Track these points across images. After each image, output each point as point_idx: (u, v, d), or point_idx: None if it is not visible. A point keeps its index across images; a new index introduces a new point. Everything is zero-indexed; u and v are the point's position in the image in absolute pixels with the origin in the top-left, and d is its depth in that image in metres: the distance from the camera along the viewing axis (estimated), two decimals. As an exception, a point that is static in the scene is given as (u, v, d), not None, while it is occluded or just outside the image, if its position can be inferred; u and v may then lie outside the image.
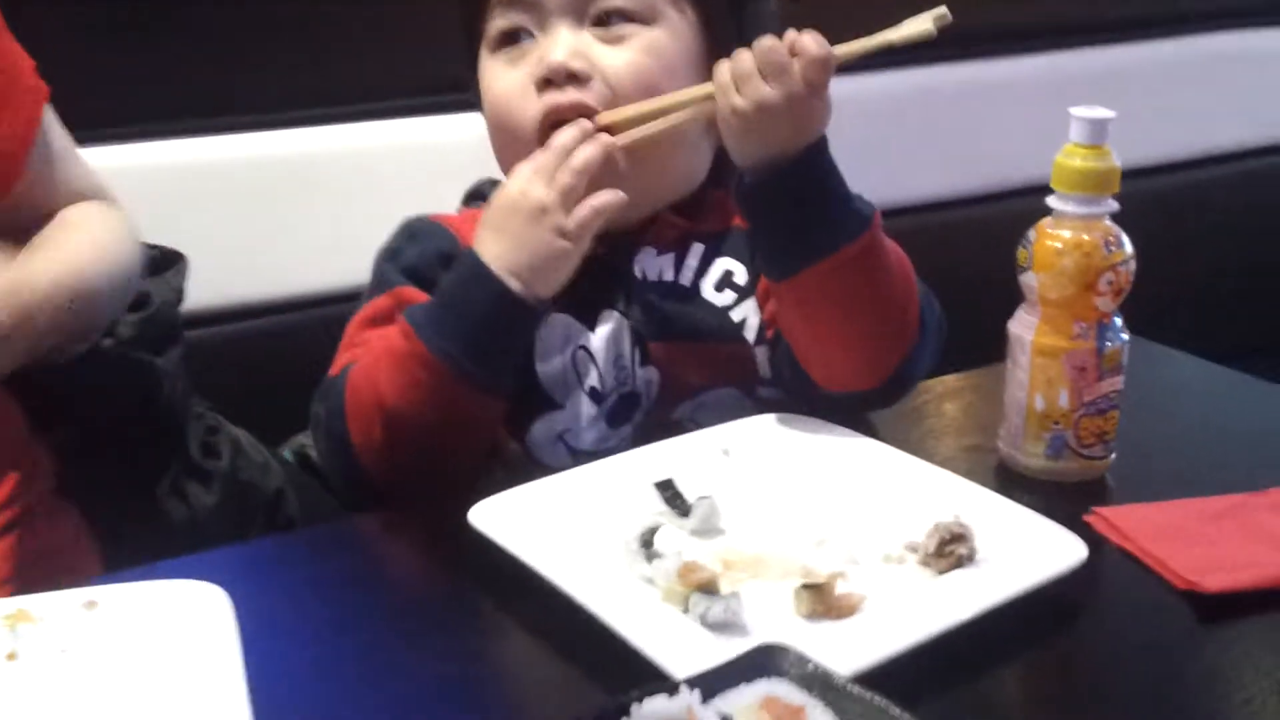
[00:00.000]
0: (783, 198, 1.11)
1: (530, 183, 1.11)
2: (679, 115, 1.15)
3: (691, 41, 1.21)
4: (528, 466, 1.20)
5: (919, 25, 1.09)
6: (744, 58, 1.09)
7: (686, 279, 1.23)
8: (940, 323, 1.18)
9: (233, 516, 1.25)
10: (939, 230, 1.98)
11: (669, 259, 1.23)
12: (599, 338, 1.20)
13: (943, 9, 1.08)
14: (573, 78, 1.17)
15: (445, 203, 1.32)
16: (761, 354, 1.22)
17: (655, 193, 1.22)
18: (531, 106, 1.18)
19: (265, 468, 1.31)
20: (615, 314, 1.20)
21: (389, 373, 1.10)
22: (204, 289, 1.39)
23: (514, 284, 1.10)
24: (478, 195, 1.30)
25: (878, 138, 1.85)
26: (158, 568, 0.95)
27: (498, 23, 1.21)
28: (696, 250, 1.24)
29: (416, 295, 1.17)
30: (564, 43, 1.18)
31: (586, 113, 1.16)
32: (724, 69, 1.10)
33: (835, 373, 1.15)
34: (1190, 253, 2.14)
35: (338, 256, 1.54)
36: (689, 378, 1.21)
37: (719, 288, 1.22)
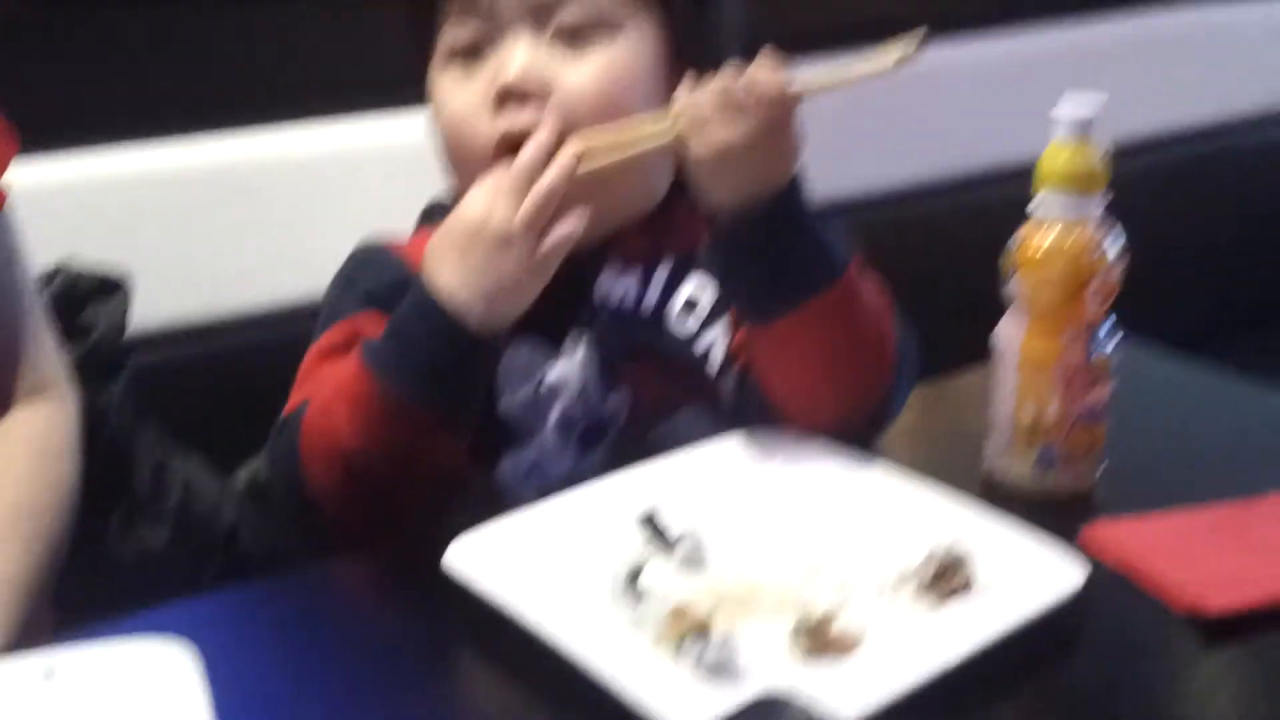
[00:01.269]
0: (755, 246, 1.06)
1: (492, 207, 1.06)
2: (644, 147, 1.10)
3: (655, 51, 1.17)
4: (499, 502, 1.16)
5: (882, 61, 1.04)
6: (700, 100, 1.04)
7: (650, 305, 1.19)
8: (915, 359, 1.16)
9: (186, 555, 1.22)
10: (924, 218, 1.95)
11: (633, 280, 1.19)
12: (564, 367, 1.16)
13: (909, 47, 1.04)
14: (529, 96, 1.12)
15: (398, 209, 1.28)
16: (725, 384, 1.19)
17: (617, 211, 1.18)
18: (485, 127, 1.14)
19: (219, 500, 1.28)
20: (579, 341, 1.17)
21: (345, 411, 1.05)
22: (149, 310, 1.34)
23: (470, 317, 1.04)
24: (434, 213, 1.25)
25: (858, 122, 1.80)
26: (121, 624, 0.91)
27: (452, 34, 1.16)
28: (663, 270, 1.20)
29: (376, 322, 1.12)
30: (520, 58, 1.13)
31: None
32: (685, 112, 1.05)
33: (808, 416, 1.11)
34: (1155, 234, 2.13)
35: (290, 269, 1.50)
36: (658, 400, 1.18)
37: (683, 315, 1.19)
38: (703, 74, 1.11)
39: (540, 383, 1.16)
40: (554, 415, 1.16)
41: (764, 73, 1.03)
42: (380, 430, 1.04)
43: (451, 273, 1.05)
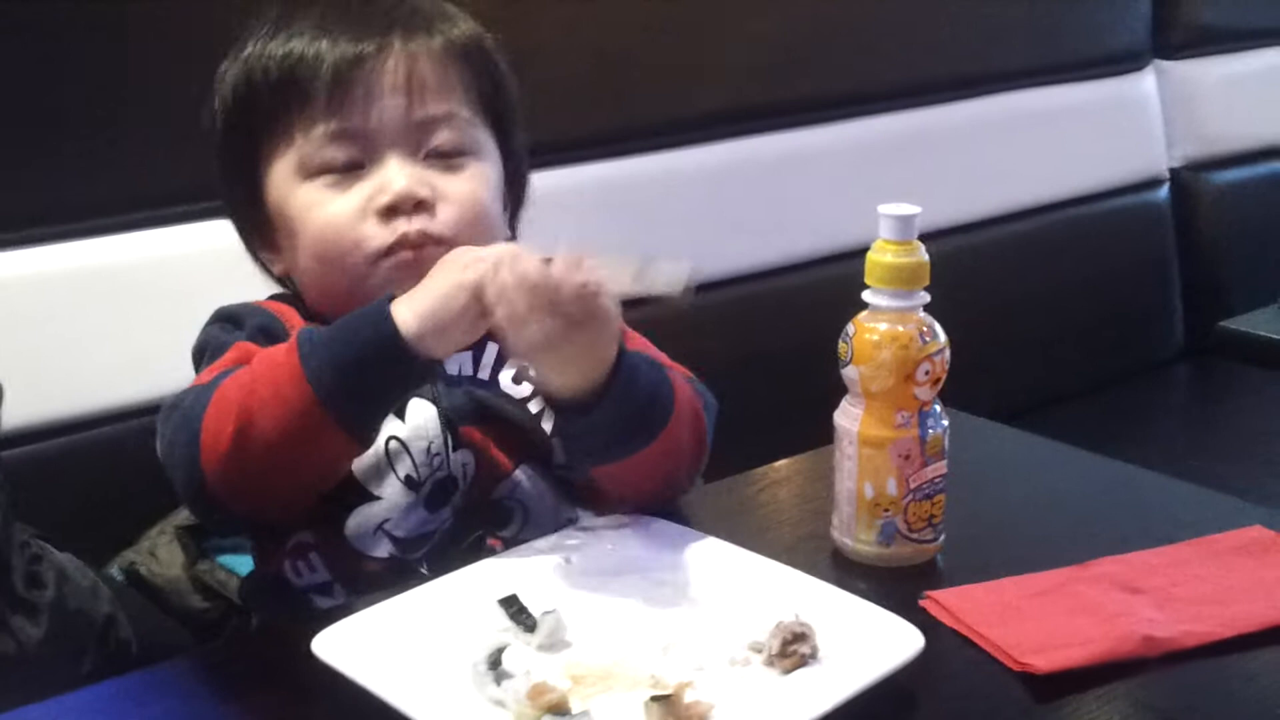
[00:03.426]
0: (587, 422, 1.12)
1: (484, 259, 1.07)
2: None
3: (496, 161, 1.28)
4: (349, 557, 1.20)
5: (670, 283, 1.06)
6: (513, 299, 1.05)
7: (485, 374, 1.25)
8: (714, 411, 1.23)
9: (64, 647, 1.21)
10: (761, 300, 2.00)
11: (467, 356, 1.25)
12: (409, 427, 1.21)
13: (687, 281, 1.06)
14: (420, 205, 1.20)
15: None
16: (557, 441, 1.24)
17: None
18: (369, 233, 1.20)
19: (94, 592, 1.28)
20: (424, 403, 1.21)
21: (261, 379, 1.08)
22: (17, 407, 1.35)
23: (407, 327, 1.06)
24: (279, 297, 1.31)
25: (696, 210, 1.88)
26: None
27: (325, 154, 1.22)
28: (492, 348, 1.25)
29: (251, 348, 1.16)
30: (406, 171, 1.21)
31: (434, 240, 1.19)
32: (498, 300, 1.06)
33: (633, 500, 1.19)
34: (980, 309, 2.20)
35: (153, 364, 1.51)
36: (500, 459, 1.23)
37: (516, 380, 1.25)
38: (516, 186, 1.28)
39: (387, 441, 1.19)
40: (401, 472, 1.20)
41: (560, 267, 1.04)
42: (283, 408, 1.07)
43: (415, 289, 1.09)
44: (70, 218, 1.57)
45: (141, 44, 1.60)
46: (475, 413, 1.23)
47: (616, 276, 1.05)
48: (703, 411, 1.21)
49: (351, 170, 1.22)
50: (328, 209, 1.22)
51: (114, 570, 1.44)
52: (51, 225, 1.56)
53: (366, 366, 1.07)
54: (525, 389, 1.25)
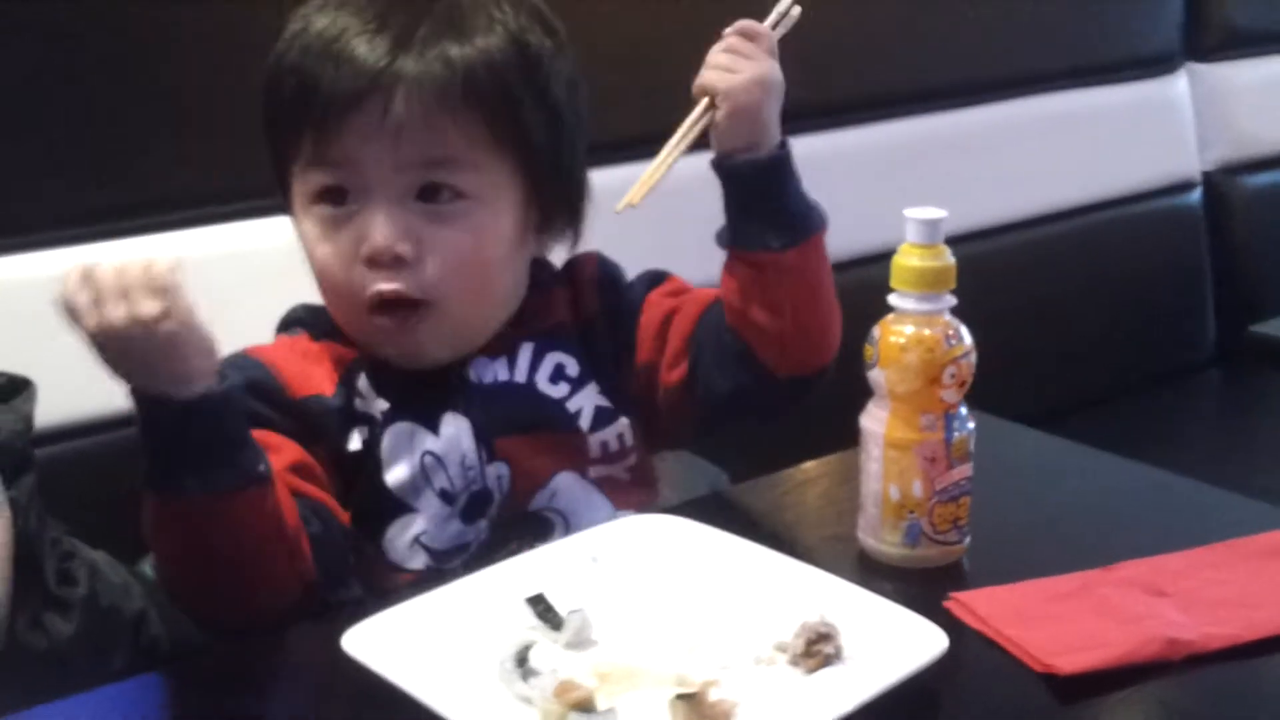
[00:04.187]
0: (784, 172, 1.23)
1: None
2: (680, 149, 1.22)
3: (513, 194, 1.23)
4: (384, 570, 1.21)
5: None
6: (724, 57, 1.22)
7: (521, 376, 1.26)
8: None
9: (95, 644, 1.22)
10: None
11: (501, 362, 1.26)
12: (443, 441, 1.22)
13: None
14: (399, 260, 1.17)
15: (276, 304, 1.32)
16: (595, 439, 1.25)
17: (481, 323, 1.25)
18: (358, 282, 1.19)
19: (126, 589, 1.29)
20: (456, 416, 1.22)
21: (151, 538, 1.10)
22: (51, 406, 1.36)
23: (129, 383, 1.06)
24: (292, 322, 1.29)
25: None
26: (23, 716, 0.93)
27: (316, 178, 1.20)
28: (526, 349, 1.26)
29: None
30: (390, 221, 1.17)
31: (409, 305, 1.18)
32: (709, 74, 1.22)
33: (800, 352, 1.24)
34: (1010, 314, 2.20)
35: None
36: (537, 469, 1.24)
37: (553, 380, 1.26)
38: (559, 194, 1.25)
39: (421, 456, 1.21)
40: (436, 486, 1.21)
41: (752, 25, 1.23)
42: (152, 526, 1.08)
43: None
44: (108, 217, 1.58)
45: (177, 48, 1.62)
46: (510, 423, 1.23)
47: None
48: None
49: (343, 199, 1.19)
50: (321, 249, 1.21)
51: (146, 568, 1.45)
52: (89, 225, 1.57)
53: (152, 436, 1.06)
54: (562, 389, 1.26)
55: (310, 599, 1.13)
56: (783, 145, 1.23)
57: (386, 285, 1.18)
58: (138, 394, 1.05)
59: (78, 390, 1.52)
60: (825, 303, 1.25)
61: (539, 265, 1.31)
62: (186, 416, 1.04)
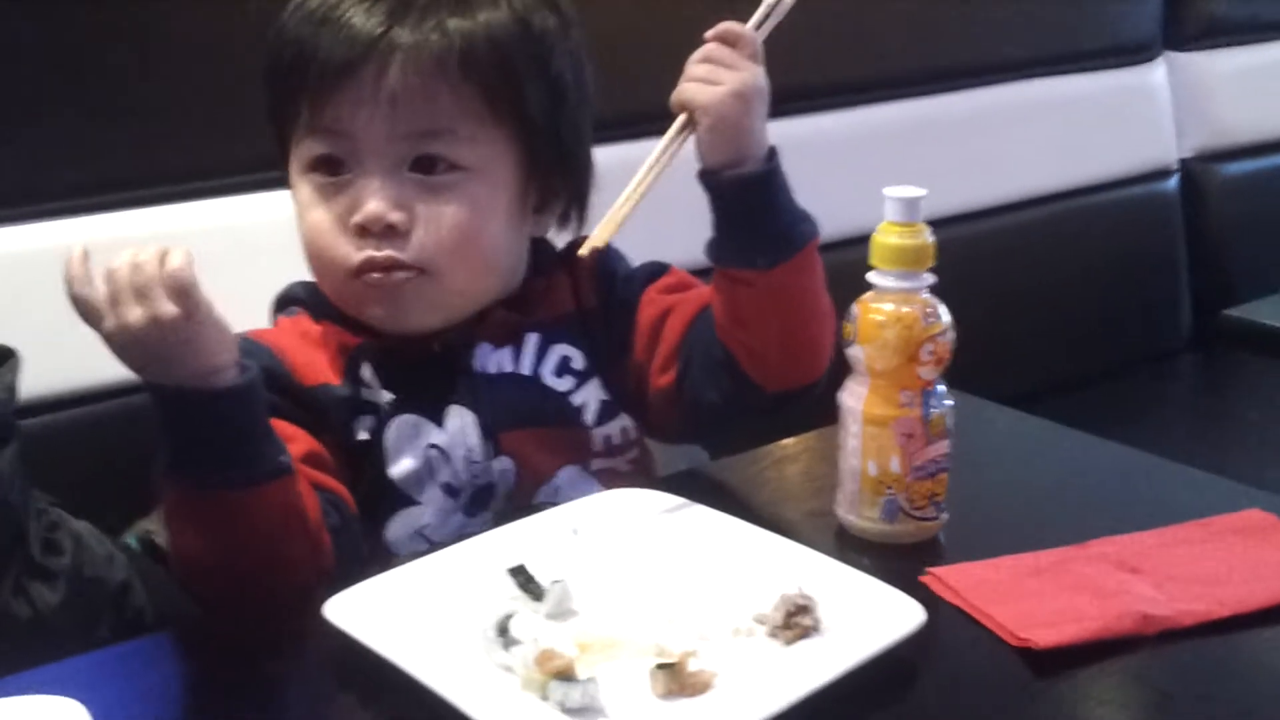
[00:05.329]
0: (771, 186, 1.19)
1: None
2: (654, 175, 1.18)
3: (511, 170, 1.23)
4: (388, 562, 1.21)
5: None
6: (701, 68, 1.18)
7: (526, 368, 1.25)
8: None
9: (79, 613, 1.23)
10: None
11: (507, 351, 1.25)
12: (447, 434, 1.21)
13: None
14: (391, 229, 1.17)
15: (270, 280, 1.32)
16: (598, 434, 1.26)
17: (472, 295, 1.24)
18: (345, 250, 1.19)
19: (110, 560, 1.29)
20: (461, 409, 1.22)
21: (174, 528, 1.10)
22: (35, 378, 1.37)
23: (145, 376, 1.06)
24: (290, 301, 1.29)
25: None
26: (7, 682, 0.94)
27: (311, 147, 1.20)
28: (532, 340, 1.26)
29: None
30: (383, 190, 1.17)
31: (400, 268, 1.18)
32: (688, 87, 1.17)
33: (788, 369, 1.22)
34: (988, 297, 2.21)
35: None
36: (541, 463, 1.24)
37: (558, 373, 1.25)
38: (559, 174, 1.24)
39: (426, 449, 1.21)
40: (440, 479, 1.21)
41: (735, 28, 1.19)
42: (172, 515, 1.08)
43: None
44: (90, 191, 1.58)
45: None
46: (515, 417, 1.23)
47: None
48: None
49: (338, 168, 1.19)
50: (312, 215, 1.21)
51: (130, 539, 1.45)
52: (71, 199, 1.57)
53: (172, 429, 1.05)
54: (568, 382, 1.26)
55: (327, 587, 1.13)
56: (771, 156, 1.20)
57: (377, 253, 1.18)
58: (154, 387, 1.04)
59: (64, 362, 1.53)
60: (814, 318, 1.23)
61: (540, 246, 1.31)
62: (209, 410, 1.04)
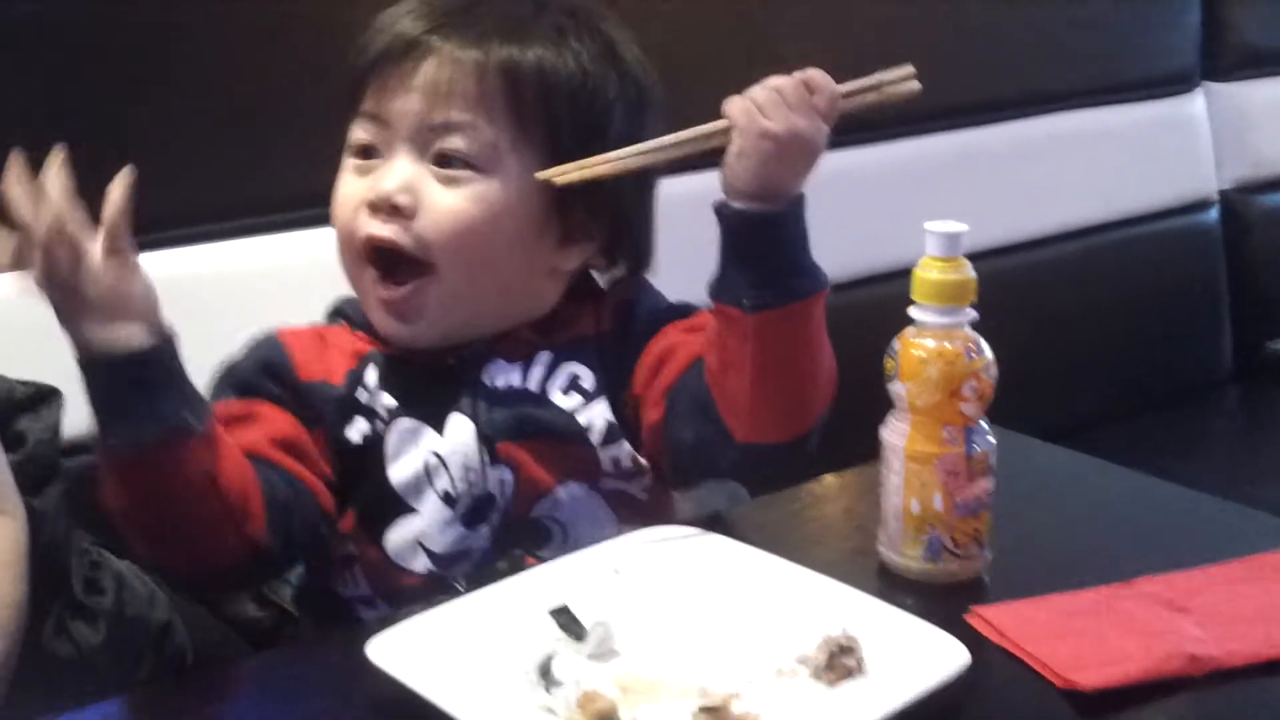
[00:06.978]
0: (777, 231, 1.15)
1: None
2: (663, 155, 1.20)
3: (528, 191, 1.23)
4: (388, 571, 1.22)
5: (905, 81, 1.23)
6: (763, 93, 1.13)
7: (534, 384, 1.26)
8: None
9: (121, 653, 1.23)
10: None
11: (517, 367, 1.26)
12: (447, 442, 1.22)
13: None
14: (396, 210, 1.21)
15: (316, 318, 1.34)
16: (606, 454, 1.25)
17: (475, 302, 1.25)
18: (356, 224, 1.23)
19: (151, 599, 1.30)
20: (462, 418, 1.23)
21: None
22: (80, 417, 1.37)
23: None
24: (338, 313, 1.33)
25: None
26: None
27: (354, 133, 1.26)
28: (543, 357, 1.27)
29: (226, 408, 1.19)
30: (398, 173, 1.22)
31: (398, 250, 1.21)
32: (737, 102, 1.14)
33: (759, 421, 1.17)
34: (1030, 330, 2.21)
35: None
36: (541, 477, 1.24)
37: (566, 391, 1.26)
38: (590, 218, 1.25)
39: (425, 456, 1.22)
40: (439, 487, 1.22)
41: (819, 73, 1.15)
42: (108, 486, 1.11)
43: None
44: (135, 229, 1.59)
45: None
46: (516, 429, 1.23)
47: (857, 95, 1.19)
48: None
49: (372, 154, 1.24)
50: (341, 192, 1.26)
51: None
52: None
53: (88, 391, 1.09)
54: (575, 400, 1.26)
55: (268, 564, 1.19)
56: (793, 202, 1.15)
57: (379, 231, 1.21)
58: (81, 349, 1.07)
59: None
60: (796, 375, 1.17)
61: (583, 280, 1.31)
62: (111, 370, 1.07)
